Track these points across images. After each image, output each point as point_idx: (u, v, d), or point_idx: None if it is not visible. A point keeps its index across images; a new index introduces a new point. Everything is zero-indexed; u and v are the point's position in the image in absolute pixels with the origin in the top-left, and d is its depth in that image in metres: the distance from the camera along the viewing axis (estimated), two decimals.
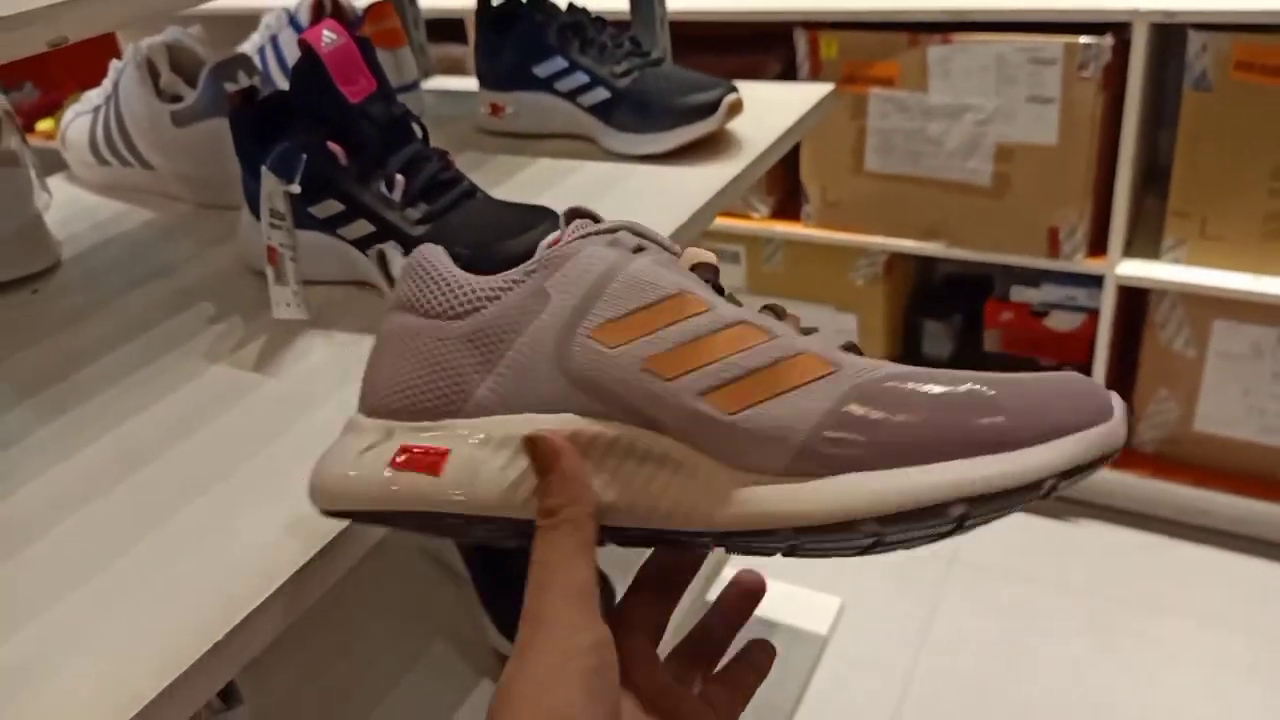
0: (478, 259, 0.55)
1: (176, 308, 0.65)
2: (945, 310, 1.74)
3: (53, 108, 2.17)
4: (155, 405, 0.54)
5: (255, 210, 0.64)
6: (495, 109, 0.88)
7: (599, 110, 0.80)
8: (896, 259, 1.64)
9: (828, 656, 1.29)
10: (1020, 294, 1.57)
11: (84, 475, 0.49)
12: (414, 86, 0.97)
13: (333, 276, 0.63)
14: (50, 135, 1.76)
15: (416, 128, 0.60)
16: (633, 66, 0.79)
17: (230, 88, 0.76)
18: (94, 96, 0.91)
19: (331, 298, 0.63)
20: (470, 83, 1.09)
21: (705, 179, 0.75)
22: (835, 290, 1.68)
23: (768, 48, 1.53)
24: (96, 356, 0.60)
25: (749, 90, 0.85)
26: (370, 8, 0.93)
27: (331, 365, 0.56)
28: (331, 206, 0.59)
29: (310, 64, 0.57)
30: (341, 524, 0.43)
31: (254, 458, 0.48)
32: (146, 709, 0.36)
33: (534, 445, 0.34)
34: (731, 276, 1.73)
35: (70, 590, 0.41)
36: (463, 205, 0.59)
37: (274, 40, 1.02)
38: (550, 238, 0.38)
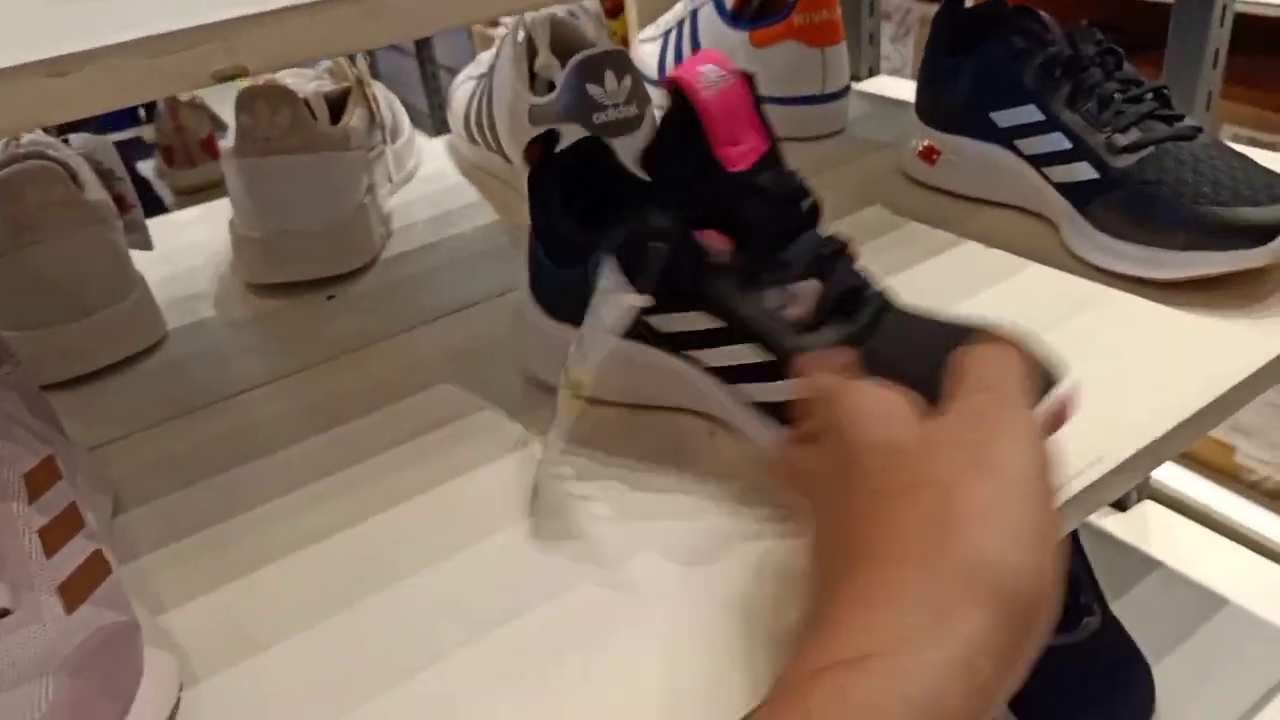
0: None
1: (456, 368, 0.52)
2: None
3: (614, 11, 1.55)
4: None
5: (541, 302, 0.48)
6: (928, 153, 0.64)
7: (1075, 192, 0.54)
8: None
9: None
10: None
11: None
12: (837, 96, 0.76)
13: (652, 402, 0.45)
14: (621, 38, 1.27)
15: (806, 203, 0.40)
16: (1147, 138, 0.51)
17: (591, 91, 0.61)
18: (484, 62, 0.81)
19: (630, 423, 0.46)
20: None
21: (1227, 344, 0.47)
22: None
23: None
24: (352, 412, 0.48)
25: None
26: None
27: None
28: (691, 321, 0.41)
29: (680, 116, 0.39)
30: None
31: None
32: None
33: None
34: None
35: None
36: (880, 323, 0.39)
37: (694, 16, 0.85)
38: None
